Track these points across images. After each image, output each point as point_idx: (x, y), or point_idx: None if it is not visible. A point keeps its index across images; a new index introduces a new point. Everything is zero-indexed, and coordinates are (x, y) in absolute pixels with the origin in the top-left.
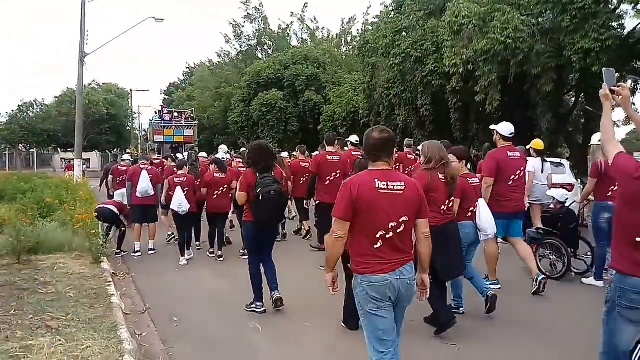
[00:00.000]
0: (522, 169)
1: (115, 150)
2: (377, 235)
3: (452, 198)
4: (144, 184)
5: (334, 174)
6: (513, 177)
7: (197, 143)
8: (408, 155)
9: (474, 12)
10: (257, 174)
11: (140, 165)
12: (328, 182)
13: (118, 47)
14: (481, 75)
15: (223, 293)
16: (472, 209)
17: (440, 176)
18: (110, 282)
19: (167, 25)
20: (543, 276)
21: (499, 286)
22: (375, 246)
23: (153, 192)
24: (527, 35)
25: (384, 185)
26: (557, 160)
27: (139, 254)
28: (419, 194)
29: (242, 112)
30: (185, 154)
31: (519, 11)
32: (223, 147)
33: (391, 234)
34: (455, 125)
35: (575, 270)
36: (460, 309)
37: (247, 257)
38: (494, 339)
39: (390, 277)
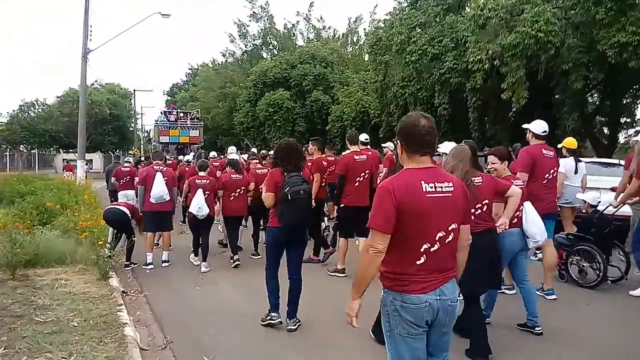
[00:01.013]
0: (556, 168)
1: (117, 151)
2: (422, 249)
3: (485, 202)
4: (159, 188)
5: (363, 174)
6: (547, 175)
7: (202, 144)
8: None
9: (500, 5)
10: (285, 174)
11: (154, 167)
12: (358, 183)
13: (121, 47)
14: (508, 71)
15: (252, 314)
16: (517, 213)
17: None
18: (121, 305)
19: (169, 25)
20: (555, 296)
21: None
22: (418, 262)
23: (169, 197)
24: (559, 28)
25: (431, 187)
26: (611, 160)
27: (152, 266)
28: (467, 195)
29: (248, 113)
30: (191, 154)
31: (549, 3)
32: (232, 149)
33: (437, 246)
34: (474, 125)
35: (610, 278)
36: (487, 319)
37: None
38: (530, 351)
39: (429, 297)
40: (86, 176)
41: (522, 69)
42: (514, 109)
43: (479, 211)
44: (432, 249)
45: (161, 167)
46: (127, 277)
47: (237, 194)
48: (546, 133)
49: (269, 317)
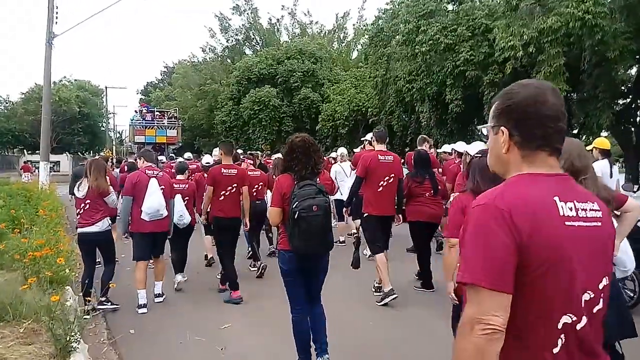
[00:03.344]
0: None
1: (87, 152)
2: (559, 326)
3: None
4: (155, 201)
5: (387, 178)
6: None
7: (179, 144)
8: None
9: None
10: (296, 182)
11: (146, 171)
12: (381, 188)
13: (93, 41)
14: (545, 59)
15: None
16: None
17: None
18: None
19: (144, 20)
20: None
21: None
22: (554, 350)
23: (167, 213)
24: (608, 10)
25: (571, 210)
26: None
27: (145, 310)
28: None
29: (230, 111)
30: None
31: None
32: (216, 151)
33: (584, 320)
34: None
35: None
36: None
37: (256, 269)
38: None
39: None
40: (49, 180)
41: (561, 56)
42: None
43: None
44: (578, 326)
45: (156, 172)
46: (101, 343)
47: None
48: None
49: None
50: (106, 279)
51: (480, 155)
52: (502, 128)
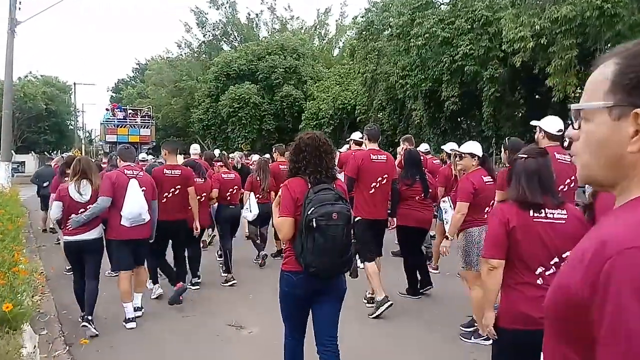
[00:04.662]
0: (573, 177)
1: (54, 152)
2: None
3: None
4: (137, 204)
5: (380, 179)
6: (562, 187)
7: (153, 144)
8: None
9: None
10: (310, 186)
11: (125, 171)
12: (373, 190)
13: (60, 36)
14: (556, 51)
15: None
16: None
17: None
18: None
19: (115, 15)
20: None
21: None
22: None
23: (149, 217)
24: None
25: None
26: None
27: (134, 324)
28: None
29: (208, 109)
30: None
31: None
32: (196, 147)
33: None
34: (488, 122)
35: None
36: None
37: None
38: None
39: None
40: (11, 182)
41: (574, 48)
42: (554, 99)
43: None
44: None
45: (136, 172)
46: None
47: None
48: (562, 132)
49: None
50: (91, 298)
51: (526, 156)
52: (638, 110)
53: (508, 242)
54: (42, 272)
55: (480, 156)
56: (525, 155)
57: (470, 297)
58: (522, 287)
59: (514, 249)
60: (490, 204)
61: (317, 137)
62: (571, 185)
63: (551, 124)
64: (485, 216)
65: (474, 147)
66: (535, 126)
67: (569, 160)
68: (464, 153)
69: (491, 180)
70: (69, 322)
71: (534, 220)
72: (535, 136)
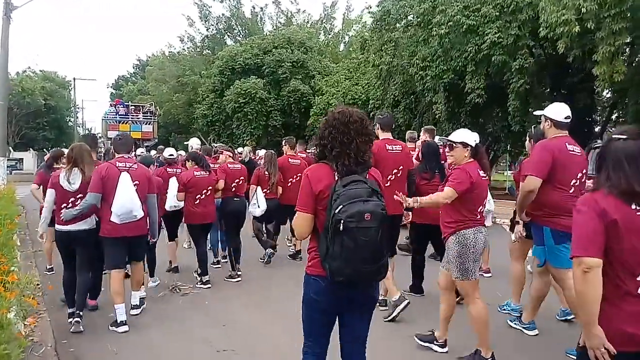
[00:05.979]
0: (585, 171)
1: (53, 148)
2: None
3: None
4: (127, 200)
5: (396, 171)
6: (574, 181)
7: (155, 140)
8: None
9: None
10: (338, 177)
11: (117, 164)
12: (389, 183)
13: (61, 31)
14: (604, 37)
15: None
16: None
17: None
18: None
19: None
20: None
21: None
22: None
23: (142, 213)
24: None
25: None
26: None
27: (126, 327)
28: None
29: (212, 104)
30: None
31: None
32: (195, 141)
33: None
34: (515, 116)
35: None
36: None
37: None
38: None
39: None
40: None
41: (625, 33)
42: (598, 89)
43: None
44: None
45: (129, 165)
46: None
47: (203, 197)
48: (569, 120)
49: None
50: (81, 291)
51: (624, 136)
52: None
53: (605, 239)
54: (38, 285)
55: (473, 146)
56: (624, 136)
57: (468, 312)
58: (620, 299)
59: (615, 248)
60: (484, 203)
61: (348, 112)
62: (582, 180)
63: (558, 111)
64: (479, 216)
65: (466, 135)
66: (540, 115)
67: (579, 151)
68: (455, 142)
69: (484, 175)
70: (69, 357)
71: (638, 214)
72: (541, 126)
